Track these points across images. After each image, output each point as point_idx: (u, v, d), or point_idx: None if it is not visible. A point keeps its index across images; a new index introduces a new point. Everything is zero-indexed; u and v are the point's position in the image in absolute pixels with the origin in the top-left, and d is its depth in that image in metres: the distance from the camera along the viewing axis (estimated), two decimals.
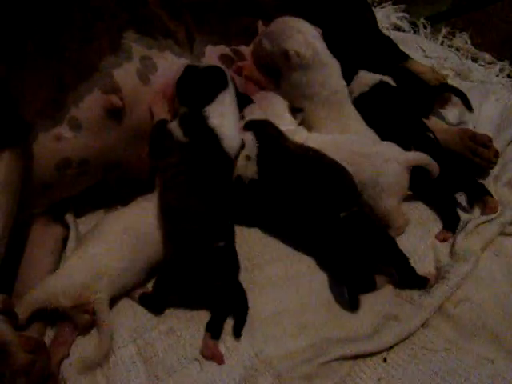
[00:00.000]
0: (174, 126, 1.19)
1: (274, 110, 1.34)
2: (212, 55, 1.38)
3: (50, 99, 1.14)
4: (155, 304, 1.13)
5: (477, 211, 1.35)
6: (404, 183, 1.26)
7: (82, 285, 1.06)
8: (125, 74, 1.21)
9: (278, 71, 1.40)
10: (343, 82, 1.39)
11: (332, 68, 1.37)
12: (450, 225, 1.31)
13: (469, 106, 1.54)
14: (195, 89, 1.21)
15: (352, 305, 1.11)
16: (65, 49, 1.18)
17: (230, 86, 1.23)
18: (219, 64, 1.36)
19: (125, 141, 1.24)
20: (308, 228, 1.20)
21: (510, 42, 2.03)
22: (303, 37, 1.35)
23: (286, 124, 1.32)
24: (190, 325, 1.11)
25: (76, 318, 1.07)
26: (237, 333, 1.08)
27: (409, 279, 1.16)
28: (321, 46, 1.37)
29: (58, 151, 1.15)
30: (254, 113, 1.32)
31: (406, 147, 1.31)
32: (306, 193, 1.19)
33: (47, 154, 1.13)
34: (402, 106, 1.44)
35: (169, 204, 1.14)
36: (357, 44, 1.59)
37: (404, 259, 1.15)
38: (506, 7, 2.21)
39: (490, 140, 1.43)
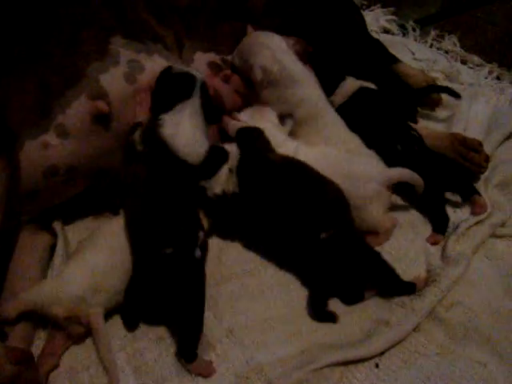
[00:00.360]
0: (137, 134, 1.18)
1: (265, 120, 1.31)
2: (201, 62, 1.37)
3: (36, 106, 1.13)
4: (127, 317, 1.10)
5: (466, 211, 1.35)
6: (385, 201, 1.25)
7: (79, 297, 1.05)
8: (111, 79, 1.21)
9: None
10: (319, 92, 1.36)
11: (304, 83, 1.34)
12: (440, 227, 1.31)
13: (456, 95, 1.55)
14: (159, 95, 1.20)
15: (319, 317, 1.11)
16: (51, 55, 1.17)
17: (195, 96, 1.20)
18: (208, 71, 1.35)
19: (113, 146, 1.23)
20: (288, 243, 1.18)
21: (498, 44, 2.04)
22: (270, 52, 1.33)
23: (277, 135, 1.28)
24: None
25: (68, 328, 1.06)
26: (188, 358, 1.03)
27: (397, 288, 1.15)
28: (290, 61, 1.35)
29: (45, 159, 1.14)
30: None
31: (393, 148, 1.32)
32: (286, 207, 1.15)
33: (34, 161, 1.13)
34: (385, 108, 1.44)
35: (127, 211, 1.13)
36: (346, 47, 1.59)
37: (390, 272, 1.14)
38: (493, 10, 2.22)
39: (481, 144, 1.43)
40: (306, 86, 1.35)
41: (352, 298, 1.14)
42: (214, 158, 1.21)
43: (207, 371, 1.03)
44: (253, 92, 1.38)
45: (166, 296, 1.04)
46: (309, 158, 1.25)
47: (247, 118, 1.31)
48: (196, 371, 1.03)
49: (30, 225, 1.22)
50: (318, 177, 1.19)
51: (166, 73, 1.22)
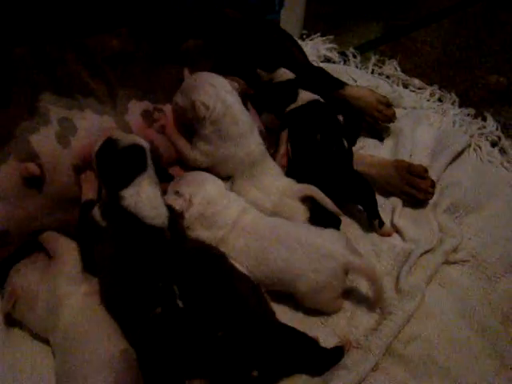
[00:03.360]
0: (95, 211, 1.14)
1: (216, 188, 1.27)
2: (135, 111, 1.33)
3: None
4: None
5: (415, 239, 1.35)
6: (339, 283, 1.16)
7: None
8: (42, 139, 1.16)
9: (192, 131, 1.36)
10: (258, 143, 1.35)
11: (245, 126, 1.33)
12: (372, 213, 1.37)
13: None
14: (112, 171, 1.15)
15: None
16: None
17: (149, 167, 1.17)
18: (142, 121, 1.32)
19: (48, 208, 1.18)
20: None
21: (438, 66, 2.08)
22: (214, 90, 1.31)
23: (218, 199, 1.25)
24: None
25: None
26: None
27: (322, 361, 1.09)
28: (233, 101, 1.33)
29: None
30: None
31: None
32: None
33: None
34: (328, 121, 1.46)
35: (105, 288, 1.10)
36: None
37: (313, 345, 1.08)
38: (430, 32, 2.27)
39: (426, 171, 1.44)
40: (247, 130, 1.33)
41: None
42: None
43: None
44: (185, 140, 1.37)
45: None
46: (259, 221, 1.23)
47: (187, 187, 1.26)
48: None
49: None
50: (229, 269, 1.15)
51: (111, 148, 1.17)
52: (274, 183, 1.34)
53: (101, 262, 1.12)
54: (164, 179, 1.25)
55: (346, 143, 1.42)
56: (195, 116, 1.31)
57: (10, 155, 1.12)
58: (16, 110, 1.16)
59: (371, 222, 1.38)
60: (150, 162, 1.18)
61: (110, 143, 1.17)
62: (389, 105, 1.67)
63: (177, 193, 1.25)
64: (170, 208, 1.17)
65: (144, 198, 1.12)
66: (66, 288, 1.10)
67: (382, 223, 1.37)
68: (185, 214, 1.22)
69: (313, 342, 1.07)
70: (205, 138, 1.33)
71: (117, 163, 1.16)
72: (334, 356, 1.08)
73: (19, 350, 1.13)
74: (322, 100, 1.51)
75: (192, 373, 1.05)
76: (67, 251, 1.15)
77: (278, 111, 1.52)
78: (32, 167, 1.12)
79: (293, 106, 1.49)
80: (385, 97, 1.69)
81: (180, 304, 1.05)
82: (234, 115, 1.32)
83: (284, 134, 1.47)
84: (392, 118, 1.66)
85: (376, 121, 1.68)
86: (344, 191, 1.35)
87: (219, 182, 1.29)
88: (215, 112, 1.30)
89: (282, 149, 1.45)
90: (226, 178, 1.34)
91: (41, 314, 1.09)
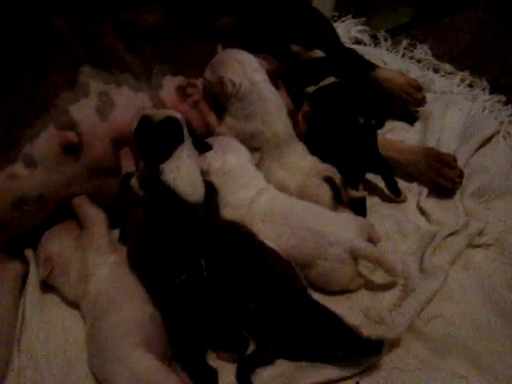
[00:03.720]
0: (134, 181, 1.18)
1: (238, 159, 1.29)
2: (170, 87, 1.35)
3: (4, 136, 1.11)
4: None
5: (442, 221, 1.36)
6: (350, 268, 1.17)
7: None
8: (81, 110, 1.19)
9: (222, 106, 1.37)
10: (285, 123, 1.36)
11: (272, 104, 1.34)
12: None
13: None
14: (150, 146, 1.18)
15: None
16: (20, 84, 1.16)
17: (186, 138, 1.19)
18: (176, 96, 1.35)
19: (83, 176, 1.22)
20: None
21: (469, 51, 2.05)
22: (241, 67, 1.32)
23: (241, 172, 1.27)
24: None
25: None
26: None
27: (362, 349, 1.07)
28: (260, 79, 1.33)
29: (14, 189, 1.12)
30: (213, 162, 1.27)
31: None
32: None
33: (2, 193, 1.11)
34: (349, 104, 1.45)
35: (135, 254, 1.14)
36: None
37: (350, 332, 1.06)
38: (463, 17, 2.24)
39: (455, 160, 1.43)
40: (273, 109, 1.34)
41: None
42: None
43: None
44: (215, 115, 1.39)
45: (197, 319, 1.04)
46: (273, 205, 1.24)
47: (210, 151, 1.28)
48: None
49: (0, 254, 1.20)
50: (260, 246, 1.17)
51: (147, 124, 1.19)
52: (300, 163, 1.35)
53: (133, 227, 1.15)
54: (202, 150, 1.27)
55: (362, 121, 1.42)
56: (223, 92, 1.33)
57: (51, 123, 1.15)
58: (57, 80, 1.19)
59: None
60: (186, 133, 1.20)
61: (145, 120, 1.19)
62: (419, 88, 1.66)
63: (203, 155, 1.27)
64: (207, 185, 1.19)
65: (183, 173, 1.14)
66: (95, 258, 1.14)
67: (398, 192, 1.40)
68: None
69: (339, 322, 1.07)
70: (232, 113, 1.35)
71: (154, 138, 1.18)
72: (373, 348, 1.05)
73: (51, 311, 1.18)
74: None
75: (220, 345, 1.10)
76: (97, 222, 1.19)
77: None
78: (71, 136, 1.15)
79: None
80: (415, 80, 1.68)
81: (205, 275, 1.09)
82: (261, 93, 1.33)
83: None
84: (422, 101, 1.66)
85: (405, 104, 1.67)
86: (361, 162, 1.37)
87: (246, 155, 1.30)
88: (241, 89, 1.32)
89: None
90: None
91: (73, 281, 1.14)
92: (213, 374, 1.03)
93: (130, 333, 1.02)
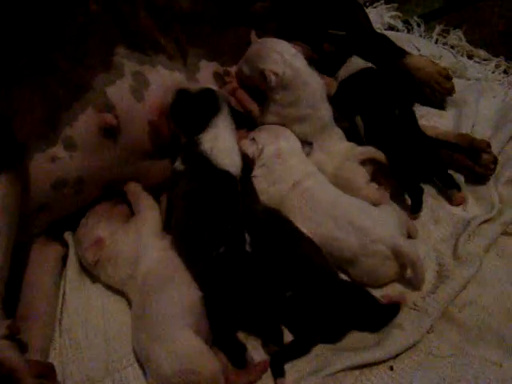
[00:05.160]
0: (177, 163, 1.19)
1: (281, 139, 1.31)
2: (207, 71, 1.37)
3: (43, 119, 1.13)
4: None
5: (476, 209, 1.37)
6: (392, 263, 1.17)
7: None
8: (118, 92, 1.21)
9: (262, 95, 1.38)
10: (328, 106, 1.37)
11: (315, 87, 1.35)
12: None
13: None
14: (188, 116, 1.20)
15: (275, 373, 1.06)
16: (57, 67, 1.17)
17: (223, 108, 1.21)
18: (213, 82, 1.36)
19: (121, 158, 1.23)
20: None
21: (504, 37, 2.02)
22: (280, 56, 1.32)
23: (290, 158, 1.29)
24: None
25: None
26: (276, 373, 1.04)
27: (380, 316, 1.11)
28: (300, 64, 1.34)
29: (54, 171, 1.14)
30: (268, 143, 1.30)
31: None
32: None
33: (43, 174, 1.13)
34: (387, 89, 1.45)
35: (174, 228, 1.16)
36: (351, 44, 1.57)
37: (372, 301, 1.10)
38: (498, 2, 2.20)
39: (489, 146, 1.42)
40: (316, 91, 1.35)
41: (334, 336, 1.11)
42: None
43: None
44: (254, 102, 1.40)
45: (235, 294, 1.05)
46: (316, 191, 1.24)
47: (263, 137, 1.31)
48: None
49: (41, 237, 1.23)
50: (295, 232, 1.18)
51: (183, 96, 1.22)
52: (338, 146, 1.36)
53: (175, 201, 1.17)
54: (240, 125, 1.29)
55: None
56: (266, 84, 1.33)
57: (89, 106, 1.17)
58: (93, 62, 1.20)
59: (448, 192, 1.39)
60: (223, 103, 1.21)
61: (181, 92, 1.22)
62: (449, 78, 1.65)
63: (253, 139, 1.29)
64: (244, 161, 1.20)
65: (220, 143, 1.16)
66: (147, 240, 1.16)
67: (458, 188, 1.38)
68: (255, 161, 1.26)
69: (373, 299, 1.10)
70: (278, 101, 1.35)
71: (191, 108, 1.20)
72: (391, 312, 1.10)
73: (91, 293, 1.21)
74: (374, 67, 1.50)
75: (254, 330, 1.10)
76: (149, 208, 1.22)
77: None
78: (109, 117, 1.17)
79: (343, 72, 1.49)
80: (445, 69, 1.67)
81: (248, 249, 1.09)
82: (304, 78, 1.34)
83: None
84: (451, 91, 1.65)
85: (434, 92, 1.66)
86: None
87: (296, 141, 1.32)
88: (285, 78, 1.32)
89: None
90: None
91: (121, 263, 1.15)
92: (241, 350, 1.05)
93: (181, 314, 1.03)
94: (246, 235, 1.11)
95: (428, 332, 1.10)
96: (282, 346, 1.06)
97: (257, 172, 1.27)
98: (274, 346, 1.06)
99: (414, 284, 1.18)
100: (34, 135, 1.12)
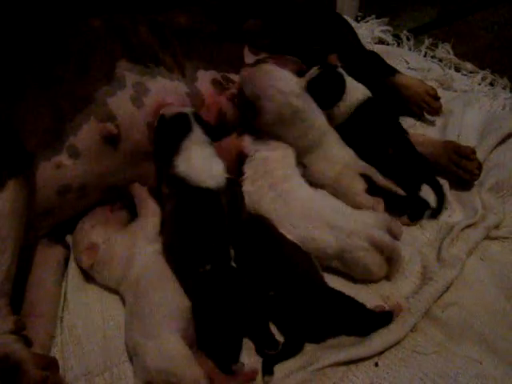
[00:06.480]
0: (163, 187, 1.24)
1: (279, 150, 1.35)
2: (204, 79, 1.41)
3: (49, 129, 1.20)
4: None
5: (460, 214, 1.42)
6: (375, 259, 1.22)
7: None
8: (119, 102, 1.27)
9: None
10: (323, 117, 1.40)
11: (312, 121, 1.37)
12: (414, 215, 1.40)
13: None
14: (162, 142, 1.27)
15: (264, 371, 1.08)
16: (62, 81, 1.24)
17: (195, 128, 1.25)
18: (212, 89, 1.41)
19: (123, 164, 1.30)
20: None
21: (490, 50, 2.09)
22: (283, 97, 1.33)
23: (282, 168, 1.33)
24: None
25: None
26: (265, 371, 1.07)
27: (370, 323, 1.14)
28: (302, 104, 1.35)
29: (59, 178, 1.21)
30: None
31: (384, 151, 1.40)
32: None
33: (48, 181, 1.19)
34: (382, 111, 1.49)
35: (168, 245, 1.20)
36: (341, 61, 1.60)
37: (360, 307, 1.14)
38: (486, 16, 2.26)
39: (474, 152, 1.46)
40: (314, 123, 1.38)
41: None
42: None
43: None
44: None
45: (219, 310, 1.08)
46: (292, 193, 1.28)
47: (264, 145, 1.35)
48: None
49: (45, 239, 1.28)
50: (280, 238, 1.22)
51: (161, 123, 1.27)
52: (339, 153, 1.39)
53: (164, 221, 1.23)
54: (217, 137, 1.33)
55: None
56: (260, 117, 1.35)
57: (91, 116, 1.24)
58: (95, 75, 1.27)
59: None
60: (194, 124, 1.25)
61: (160, 119, 1.28)
62: (437, 98, 1.69)
63: (256, 141, 1.36)
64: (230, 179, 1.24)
65: (194, 162, 1.21)
66: (142, 243, 1.21)
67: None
68: (246, 159, 1.32)
69: (360, 306, 1.14)
70: (266, 129, 1.38)
71: (164, 133, 1.26)
72: (383, 319, 1.14)
73: (90, 293, 1.26)
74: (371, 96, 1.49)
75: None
76: (154, 214, 1.27)
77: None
78: (110, 127, 1.24)
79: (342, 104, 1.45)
80: (434, 89, 1.70)
81: (233, 265, 1.14)
82: (303, 117, 1.35)
83: None
84: (438, 110, 1.68)
85: (421, 111, 1.70)
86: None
87: (289, 151, 1.35)
88: (283, 117, 1.34)
89: None
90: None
91: (116, 264, 1.20)
92: (229, 357, 1.07)
93: (171, 317, 1.07)
94: (232, 251, 1.15)
95: (412, 331, 1.14)
96: (278, 349, 1.09)
97: (245, 169, 1.32)
98: (270, 350, 1.09)
99: (391, 271, 1.24)
100: (40, 144, 1.19)
